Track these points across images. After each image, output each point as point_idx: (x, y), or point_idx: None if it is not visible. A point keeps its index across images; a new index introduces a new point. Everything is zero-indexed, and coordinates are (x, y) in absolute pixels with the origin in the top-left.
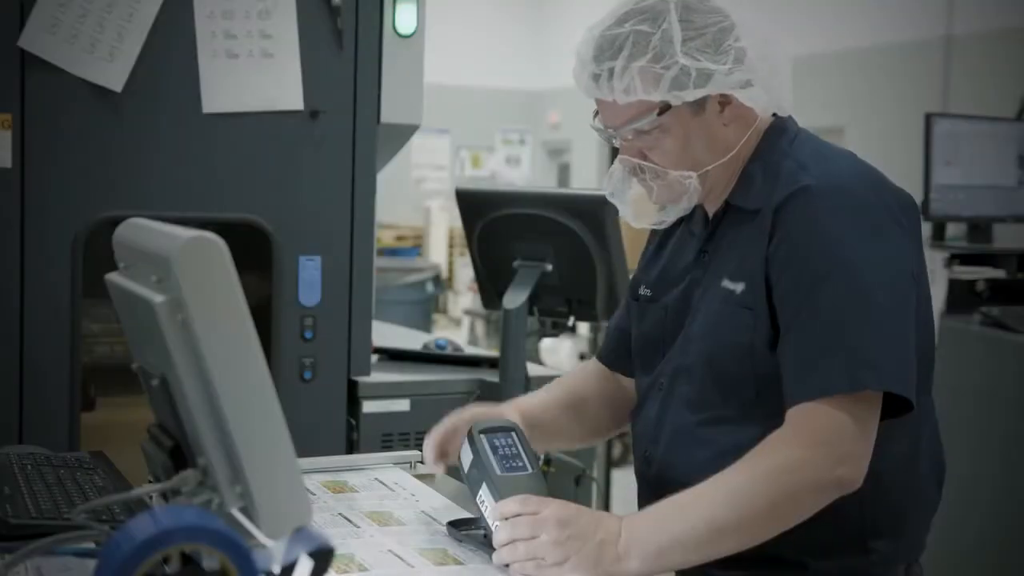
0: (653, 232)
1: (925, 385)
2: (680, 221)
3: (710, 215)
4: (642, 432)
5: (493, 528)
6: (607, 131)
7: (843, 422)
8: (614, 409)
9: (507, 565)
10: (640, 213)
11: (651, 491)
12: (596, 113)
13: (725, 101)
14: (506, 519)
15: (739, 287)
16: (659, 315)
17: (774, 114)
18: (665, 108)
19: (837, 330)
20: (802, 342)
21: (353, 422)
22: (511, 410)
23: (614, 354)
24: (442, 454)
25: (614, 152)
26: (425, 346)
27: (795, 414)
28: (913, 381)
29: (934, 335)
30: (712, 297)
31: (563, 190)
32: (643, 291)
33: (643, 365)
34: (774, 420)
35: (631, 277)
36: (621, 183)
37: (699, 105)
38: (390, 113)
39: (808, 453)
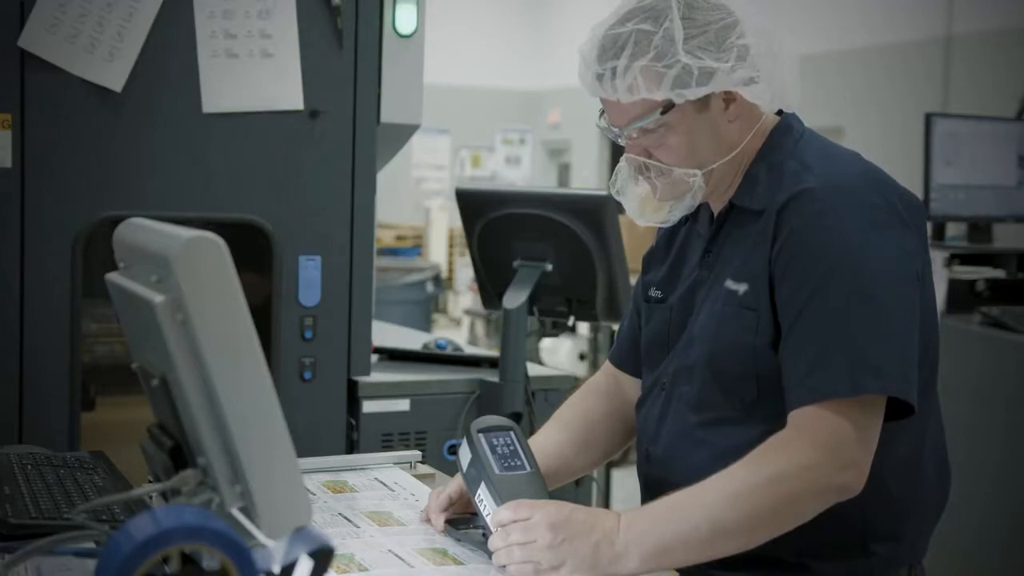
0: (658, 233)
1: (929, 386)
2: (685, 221)
3: (715, 215)
4: (644, 430)
5: (492, 531)
6: (612, 130)
7: (845, 427)
8: (623, 425)
9: (502, 567)
10: (646, 211)
11: (652, 489)
12: (602, 112)
13: (729, 98)
14: (500, 527)
15: (742, 288)
16: (665, 315)
17: (780, 113)
18: (668, 107)
19: (840, 333)
20: (804, 344)
21: (353, 422)
22: None
23: (624, 356)
24: (447, 508)
25: (615, 152)
26: (425, 346)
27: (797, 417)
28: (915, 384)
29: (938, 336)
30: (715, 297)
31: (563, 190)
32: (653, 292)
33: (649, 364)
34: (775, 421)
35: (636, 279)
36: (627, 181)
37: (703, 103)
38: (390, 113)
39: (811, 459)
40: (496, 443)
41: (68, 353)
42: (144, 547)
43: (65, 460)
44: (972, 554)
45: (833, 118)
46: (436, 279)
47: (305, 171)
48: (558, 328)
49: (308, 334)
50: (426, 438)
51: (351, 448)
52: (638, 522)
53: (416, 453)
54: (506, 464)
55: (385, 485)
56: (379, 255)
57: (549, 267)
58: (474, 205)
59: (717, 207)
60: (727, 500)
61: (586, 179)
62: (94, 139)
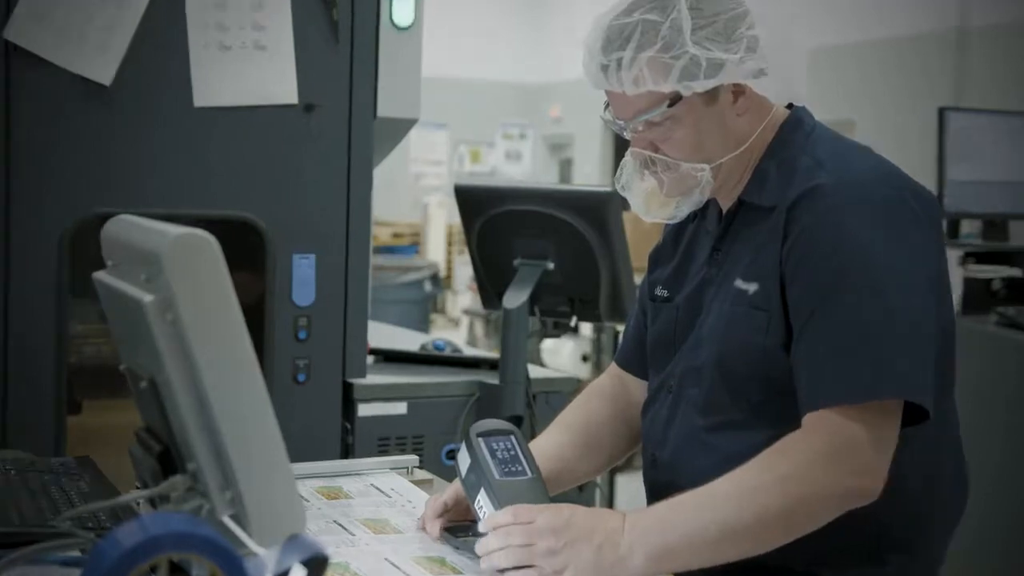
0: (665, 229)
1: (946, 390)
2: (693, 218)
3: (723, 211)
4: (650, 434)
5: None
6: (617, 123)
7: (860, 432)
8: (628, 429)
9: (501, 572)
10: (652, 207)
11: (658, 495)
12: (607, 105)
13: (738, 91)
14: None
15: (752, 287)
16: (672, 315)
17: (790, 106)
18: (676, 99)
19: (854, 335)
20: (818, 347)
21: (348, 426)
22: None
23: (630, 357)
24: (442, 514)
25: (618, 147)
26: (423, 347)
27: (812, 420)
28: (931, 388)
29: (955, 338)
30: (725, 297)
31: (565, 186)
32: (660, 291)
33: (655, 365)
34: (782, 425)
35: (643, 277)
36: (632, 176)
37: (711, 95)
38: (387, 107)
39: (825, 463)
40: (496, 448)
41: (54, 354)
42: (131, 555)
43: (50, 465)
44: (972, 554)
45: (845, 111)
46: (434, 278)
47: (300, 167)
48: (560, 329)
49: (302, 335)
50: (424, 442)
51: (346, 453)
52: (644, 522)
53: (413, 458)
54: (506, 469)
55: (381, 491)
56: (375, 253)
57: (551, 266)
58: (473, 202)
59: (726, 203)
60: (736, 501)
61: (588, 175)
62: (82, 134)
